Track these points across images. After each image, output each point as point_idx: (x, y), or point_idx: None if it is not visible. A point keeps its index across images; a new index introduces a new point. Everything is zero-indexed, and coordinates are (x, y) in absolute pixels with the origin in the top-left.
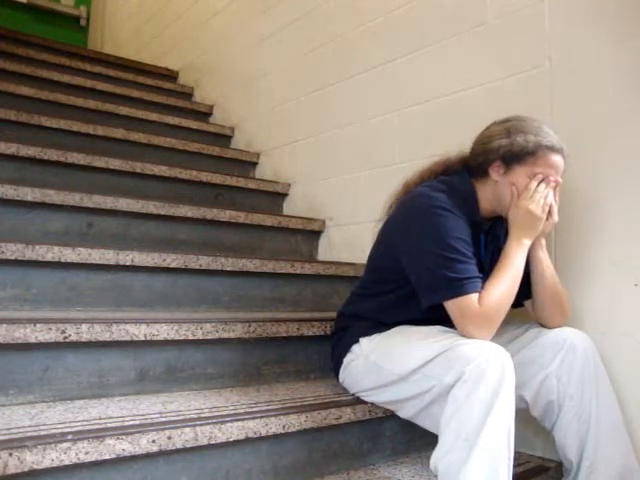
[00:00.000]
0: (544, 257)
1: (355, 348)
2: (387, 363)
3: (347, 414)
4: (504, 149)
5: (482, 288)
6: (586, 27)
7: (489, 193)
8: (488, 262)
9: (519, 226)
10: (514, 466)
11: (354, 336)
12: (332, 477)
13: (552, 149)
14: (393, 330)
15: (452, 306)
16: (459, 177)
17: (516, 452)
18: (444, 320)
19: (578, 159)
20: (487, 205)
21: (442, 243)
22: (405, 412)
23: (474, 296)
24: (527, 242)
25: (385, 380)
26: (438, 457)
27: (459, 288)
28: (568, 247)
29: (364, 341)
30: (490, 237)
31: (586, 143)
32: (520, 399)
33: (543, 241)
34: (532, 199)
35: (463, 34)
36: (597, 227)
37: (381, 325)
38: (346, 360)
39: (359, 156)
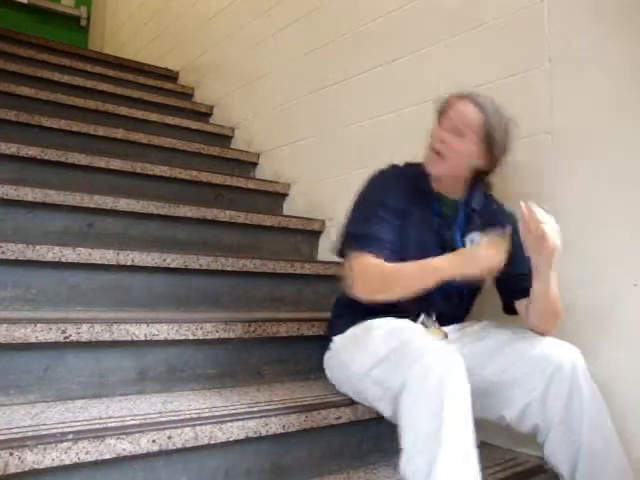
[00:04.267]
0: (553, 277)
1: (332, 345)
2: (350, 363)
3: (347, 414)
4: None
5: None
6: (586, 27)
7: None
8: (455, 242)
9: (459, 254)
10: (512, 466)
11: (331, 333)
12: (332, 477)
13: (456, 96)
14: (362, 326)
15: (349, 260)
16: None
17: (515, 452)
18: (406, 311)
19: (578, 159)
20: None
21: (361, 204)
22: (383, 412)
23: (368, 255)
24: (448, 271)
25: (351, 380)
26: (403, 464)
27: (357, 244)
28: (568, 247)
29: (337, 339)
30: (466, 221)
31: (586, 143)
32: (500, 418)
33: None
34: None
35: (463, 34)
36: (597, 227)
37: (356, 317)
38: (326, 357)
39: (359, 156)
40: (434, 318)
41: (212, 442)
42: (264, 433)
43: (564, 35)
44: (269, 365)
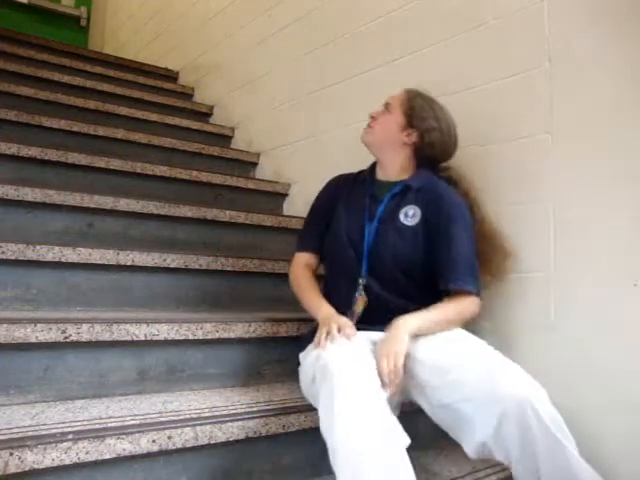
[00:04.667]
0: (430, 327)
1: (300, 356)
2: (301, 379)
3: None
4: None
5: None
6: (586, 27)
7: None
8: (382, 213)
9: (332, 317)
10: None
11: (299, 347)
12: (331, 477)
13: None
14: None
15: None
16: None
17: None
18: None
19: (578, 159)
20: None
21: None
22: None
23: (297, 254)
24: (317, 316)
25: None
26: None
27: (295, 245)
28: (568, 247)
29: (301, 355)
30: (400, 198)
31: (586, 143)
32: (468, 450)
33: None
34: None
35: (463, 34)
36: (597, 227)
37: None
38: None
39: (359, 156)
40: (361, 292)
41: (212, 442)
42: (264, 433)
43: (564, 35)
44: (269, 365)
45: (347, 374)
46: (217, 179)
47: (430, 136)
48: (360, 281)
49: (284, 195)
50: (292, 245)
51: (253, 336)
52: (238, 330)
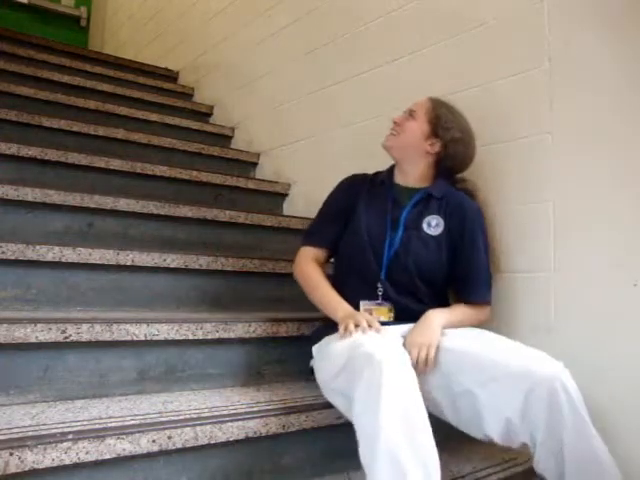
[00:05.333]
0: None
1: (314, 349)
2: (319, 371)
3: None
4: None
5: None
6: (586, 27)
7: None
8: (406, 220)
9: (351, 313)
10: (512, 466)
11: (313, 340)
12: (332, 477)
13: None
14: (333, 336)
15: None
16: None
17: (515, 452)
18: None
19: (578, 159)
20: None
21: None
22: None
23: (306, 247)
24: (336, 314)
25: (323, 389)
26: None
27: (303, 239)
28: (568, 247)
29: (314, 347)
30: (423, 206)
31: (586, 143)
32: (485, 437)
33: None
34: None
35: (463, 34)
36: (597, 227)
37: (329, 325)
38: (311, 363)
39: (359, 156)
40: (379, 300)
41: (212, 442)
42: (264, 433)
43: (564, 35)
44: (269, 365)
45: (395, 363)
46: (217, 179)
47: (454, 147)
48: (379, 287)
49: (284, 195)
50: (292, 245)
51: (253, 336)
52: (238, 330)
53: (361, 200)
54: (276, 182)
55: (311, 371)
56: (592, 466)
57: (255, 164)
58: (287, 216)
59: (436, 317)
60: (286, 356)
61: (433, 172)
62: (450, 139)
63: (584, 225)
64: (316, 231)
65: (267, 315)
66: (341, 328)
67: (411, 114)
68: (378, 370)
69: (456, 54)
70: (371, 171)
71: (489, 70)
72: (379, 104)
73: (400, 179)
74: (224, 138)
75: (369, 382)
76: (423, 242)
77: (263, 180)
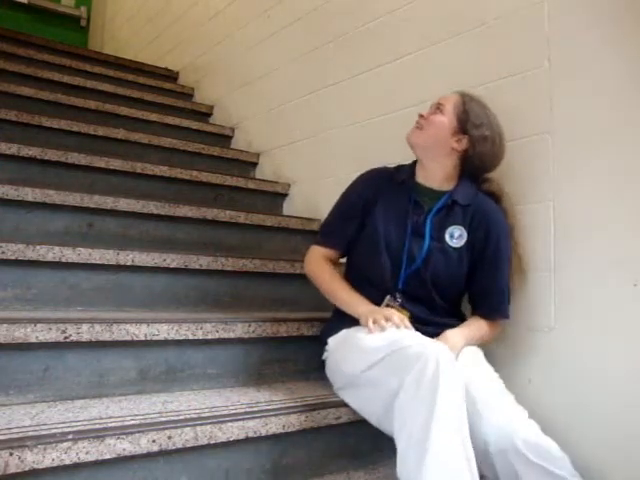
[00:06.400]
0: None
1: (327, 347)
2: (342, 363)
3: (347, 414)
4: None
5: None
6: (586, 27)
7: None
8: (429, 227)
9: (372, 309)
10: None
11: (326, 336)
12: (332, 477)
13: None
14: (355, 328)
15: None
16: None
17: None
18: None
19: (578, 159)
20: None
21: (334, 205)
22: (370, 417)
23: (316, 247)
24: (356, 311)
25: (343, 381)
26: (398, 467)
27: (318, 236)
28: (568, 247)
29: (331, 340)
30: (445, 213)
31: (586, 143)
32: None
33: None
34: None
35: (463, 34)
36: (597, 227)
37: (347, 319)
38: (326, 360)
39: (359, 156)
40: (399, 301)
41: (212, 442)
42: (264, 433)
43: (564, 35)
44: (269, 365)
45: (451, 364)
46: (217, 179)
47: (482, 146)
48: (397, 297)
49: (284, 195)
50: (292, 245)
51: (253, 336)
52: (238, 330)
53: (380, 198)
54: (276, 182)
55: (320, 364)
56: None
57: (255, 164)
58: (287, 216)
59: (455, 339)
60: (286, 356)
61: (458, 172)
62: (478, 137)
63: (584, 225)
64: (330, 232)
65: (267, 315)
66: (369, 322)
67: (439, 108)
68: (433, 369)
69: (456, 54)
70: None
71: (489, 70)
72: (379, 104)
73: (422, 178)
74: (224, 138)
75: (418, 380)
76: (444, 255)
77: (263, 180)
